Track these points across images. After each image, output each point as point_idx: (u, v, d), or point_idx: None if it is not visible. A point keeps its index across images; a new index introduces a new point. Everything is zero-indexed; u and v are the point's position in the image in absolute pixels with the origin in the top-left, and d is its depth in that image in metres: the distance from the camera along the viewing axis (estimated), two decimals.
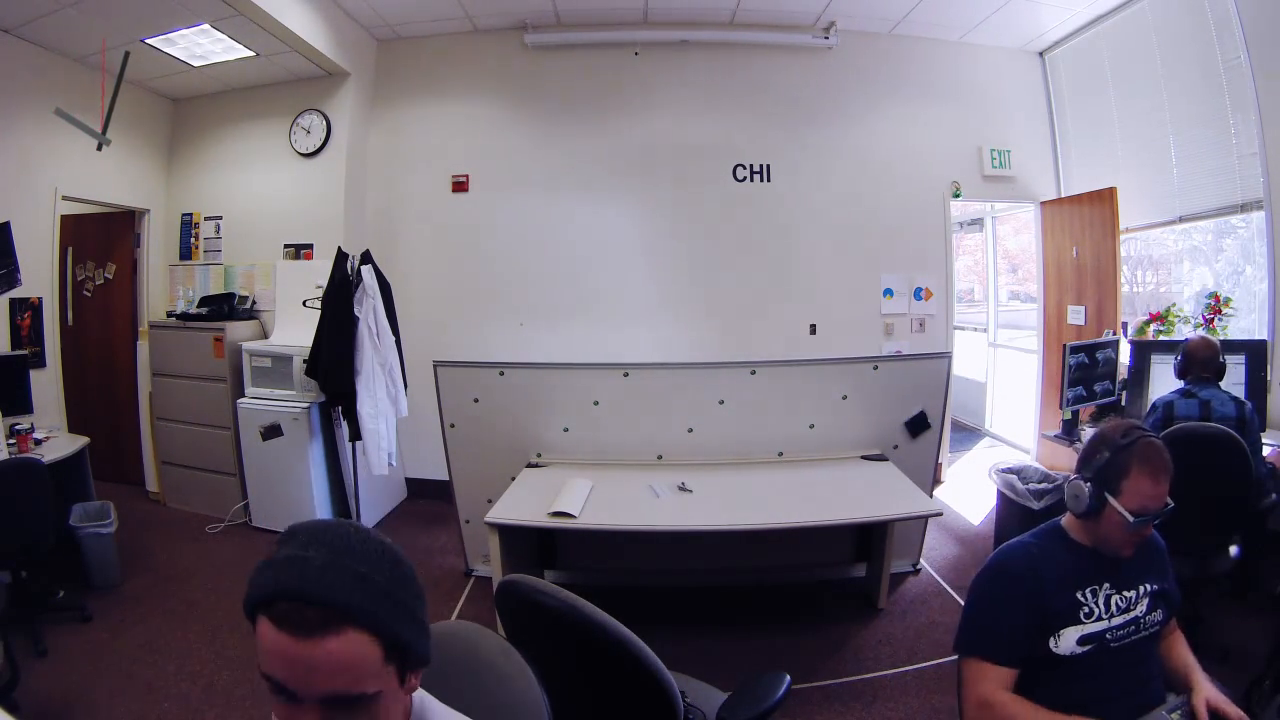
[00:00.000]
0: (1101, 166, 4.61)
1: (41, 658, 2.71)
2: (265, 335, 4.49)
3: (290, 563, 0.68)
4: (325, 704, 0.66)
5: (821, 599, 3.24)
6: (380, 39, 4.72)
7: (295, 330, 4.24)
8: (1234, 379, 3.14)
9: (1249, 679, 2.13)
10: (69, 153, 4.06)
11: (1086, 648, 1.37)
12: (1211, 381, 2.75)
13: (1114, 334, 4.11)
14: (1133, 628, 1.40)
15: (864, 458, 3.16)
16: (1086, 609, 1.39)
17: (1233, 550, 2.51)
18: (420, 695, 0.84)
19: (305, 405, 3.96)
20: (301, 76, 4.49)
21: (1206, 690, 1.38)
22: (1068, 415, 3.61)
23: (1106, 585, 1.41)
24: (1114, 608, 1.40)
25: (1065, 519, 1.50)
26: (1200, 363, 2.76)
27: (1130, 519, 1.37)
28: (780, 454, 3.23)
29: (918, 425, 3.26)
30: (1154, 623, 1.43)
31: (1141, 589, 1.44)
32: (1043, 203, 5.00)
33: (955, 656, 1.47)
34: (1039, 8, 4.34)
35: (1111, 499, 1.39)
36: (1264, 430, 3.02)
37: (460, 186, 4.70)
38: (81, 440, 3.63)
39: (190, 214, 4.82)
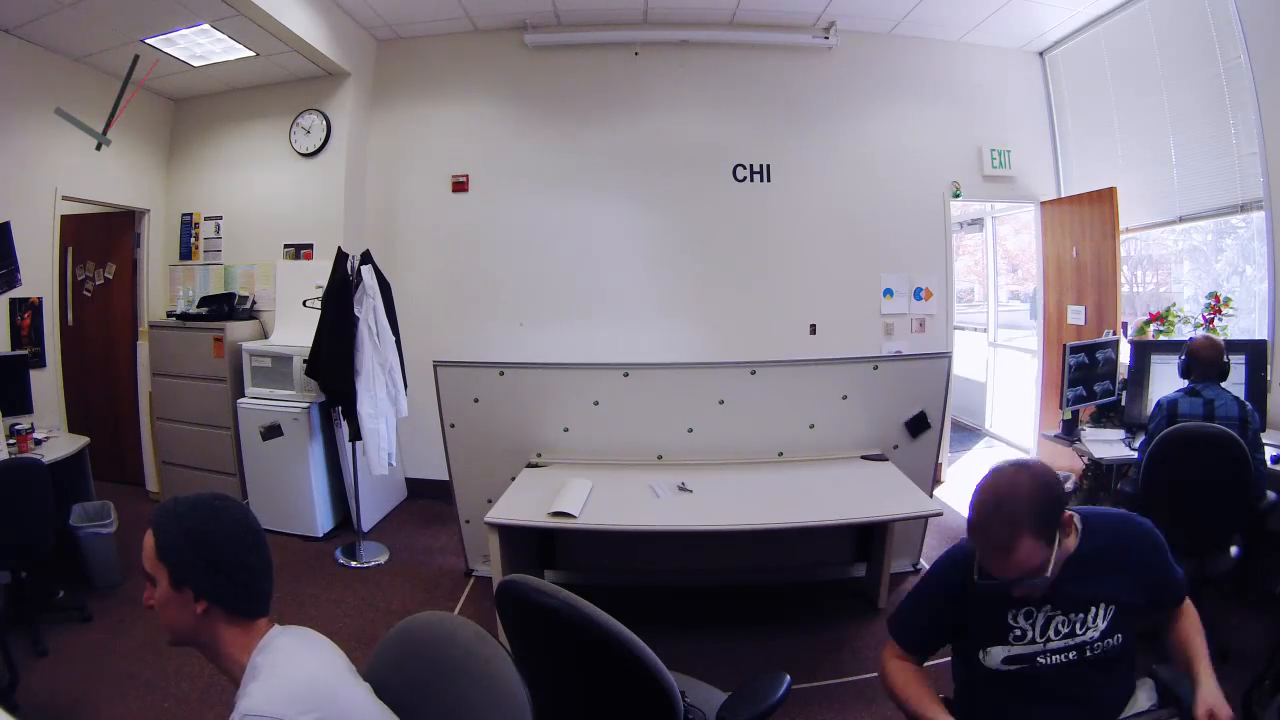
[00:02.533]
0: (1101, 166, 4.61)
1: (42, 658, 2.71)
2: (265, 335, 4.49)
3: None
4: (143, 572, 1.08)
5: (821, 599, 3.24)
6: (380, 39, 4.72)
7: (295, 330, 4.23)
8: (1234, 379, 3.13)
9: (1249, 679, 2.12)
10: (69, 153, 4.06)
11: (1012, 667, 1.34)
12: (1215, 381, 2.74)
13: (1114, 334, 4.11)
14: (1074, 654, 1.31)
15: (864, 458, 3.16)
16: (1017, 631, 1.33)
17: (1233, 550, 2.51)
18: (274, 635, 1.10)
19: (305, 405, 3.96)
20: (301, 76, 4.49)
21: (1209, 696, 1.25)
22: (1068, 415, 3.61)
23: (1048, 608, 1.32)
24: (1054, 631, 1.32)
25: None
26: (1204, 363, 2.75)
27: (976, 579, 1.30)
28: (780, 454, 3.23)
29: (918, 425, 3.26)
30: (1108, 648, 1.32)
31: (1096, 611, 1.31)
32: (1043, 203, 5.00)
33: (951, 657, 1.51)
34: (1039, 8, 4.34)
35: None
36: (1264, 430, 3.02)
37: (460, 186, 4.70)
38: (81, 440, 3.62)
39: (190, 214, 4.82)
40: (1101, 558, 1.32)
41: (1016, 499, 1.23)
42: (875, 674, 2.57)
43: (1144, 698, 1.37)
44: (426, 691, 1.14)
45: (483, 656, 1.14)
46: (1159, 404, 2.82)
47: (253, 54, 4.15)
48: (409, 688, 1.15)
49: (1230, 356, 2.84)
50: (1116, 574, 1.33)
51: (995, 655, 1.35)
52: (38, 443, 3.44)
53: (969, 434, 6.23)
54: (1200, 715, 1.22)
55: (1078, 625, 1.31)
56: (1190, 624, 1.40)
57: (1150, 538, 1.39)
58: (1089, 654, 1.31)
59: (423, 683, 1.15)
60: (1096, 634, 1.31)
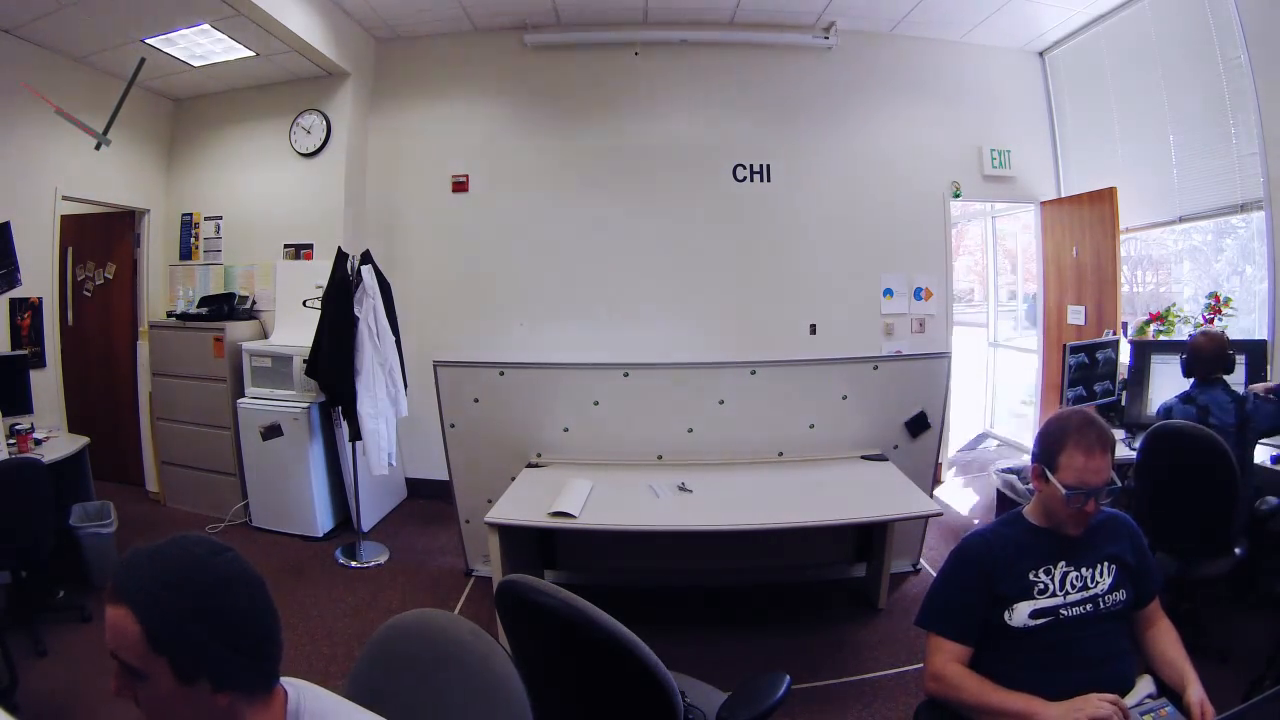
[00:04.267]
0: (1101, 166, 4.60)
1: (41, 658, 2.72)
2: (265, 335, 4.49)
3: (134, 548, 0.85)
4: (117, 660, 0.80)
5: (821, 599, 3.24)
6: (380, 39, 4.72)
7: (295, 330, 4.23)
8: (1236, 377, 3.13)
9: (1249, 679, 2.13)
10: (69, 153, 4.06)
11: (1039, 621, 1.43)
12: (1218, 382, 2.70)
13: (1114, 334, 4.11)
14: (1090, 606, 1.44)
15: (864, 458, 3.16)
16: (1040, 586, 1.45)
17: (1236, 552, 2.50)
18: (299, 695, 0.92)
19: (305, 405, 3.96)
20: (301, 76, 4.49)
21: (1199, 691, 1.37)
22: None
23: (1063, 564, 1.46)
24: (1070, 585, 1.45)
25: (1028, 505, 1.58)
26: (1207, 359, 2.70)
27: (1064, 493, 1.42)
28: (780, 454, 3.23)
29: (918, 425, 3.26)
30: (1116, 602, 1.46)
31: (1101, 567, 1.47)
32: (1043, 203, 5.00)
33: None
34: (1039, 8, 4.34)
35: (1050, 475, 1.46)
36: None
37: (460, 186, 4.70)
38: (81, 440, 3.63)
39: (190, 214, 4.82)
40: (1102, 527, 1.51)
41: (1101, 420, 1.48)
42: (875, 674, 2.59)
43: (1143, 688, 1.43)
44: (421, 690, 1.12)
45: (479, 654, 1.13)
46: (1159, 410, 2.82)
47: (253, 54, 4.15)
48: (402, 689, 1.13)
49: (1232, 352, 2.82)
50: (1114, 541, 1.52)
51: (1022, 612, 1.43)
52: (38, 443, 3.44)
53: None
54: (1192, 702, 1.34)
55: (1089, 580, 1.46)
56: (1170, 637, 1.52)
57: (1134, 526, 1.58)
58: (1102, 606, 1.45)
59: (415, 682, 1.13)
60: (1105, 587, 1.46)
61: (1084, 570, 1.46)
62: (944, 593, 1.54)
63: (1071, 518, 1.45)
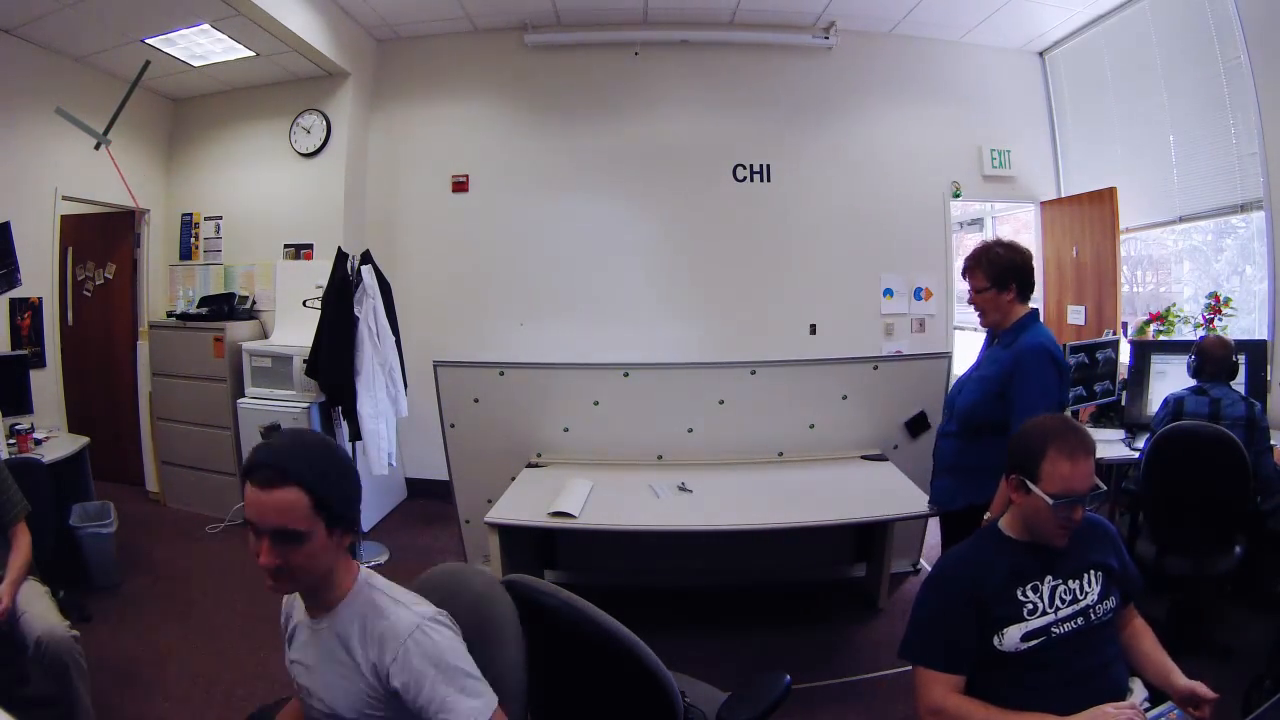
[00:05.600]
0: (1101, 166, 4.61)
1: None
2: (265, 335, 4.49)
3: (264, 445, 1.09)
4: (273, 535, 1.03)
5: (821, 599, 3.24)
6: (380, 39, 4.72)
7: (295, 330, 4.23)
8: (1235, 380, 3.14)
9: (1249, 679, 2.12)
10: (69, 153, 4.06)
11: (1032, 643, 1.36)
12: (1225, 381, 2.75)
13: (1114, 334, 4.11)
14: (1081, 619, 1.39)
15: (864, 458, 3.16)
16: (1030, 605, 1.38)
17: (1237, 550, 2.50)
18: (366, 572, 1.20)
19: (305, 405, 3.96)
20: (301, 76, 4.49)
21: (1191, 682, 1.36)
22: (1067, 415, 3.61)
23: (1049, 578, 1.41)
24: (1059, 600, 1.39)
25: (1003, 519, 1.51)
26: (1214, 362, 2.77)
27: (1050, 503, 1.36)
28: (780, 454, 3.23)
29: (918, 425, 3.25)
30: (1106, 611, 1.42)
31: (1088, 576, 1.43)
32: (1043, 203, 5.00)
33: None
34: (1039, 8, 4.34)
35: (1032, 485, 1.39)
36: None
37: (460, 186, 4.70)
38: (81, 440, 3.62)
39: (190, 214, 4.82)
40: (1081, 535, 1.44)
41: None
42: (875, 674, 2.59)
43: (1139, 693, 1.42)
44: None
45: (490, 597, 1.31)
46: (1166, 400, 2.83)
47: (253, 54, 4.15)
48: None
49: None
50: (1095, 546, 1.48)
51: (1012, 636, 1.37)
52: (38, 443, 3.43)
53: None
54: (1185, 686, 1.34)
55: (1077, 591, 1.41)
56: (1149, 634, 1.51)
57: (1111, 529, 1.54)
58: (1093, 618, 1.40)
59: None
60: (1095, 597, 1.42)
61: (1071, 583, 1.41)
62: (929, 622, 1.44)
63: (1058, 528, 1.39)
